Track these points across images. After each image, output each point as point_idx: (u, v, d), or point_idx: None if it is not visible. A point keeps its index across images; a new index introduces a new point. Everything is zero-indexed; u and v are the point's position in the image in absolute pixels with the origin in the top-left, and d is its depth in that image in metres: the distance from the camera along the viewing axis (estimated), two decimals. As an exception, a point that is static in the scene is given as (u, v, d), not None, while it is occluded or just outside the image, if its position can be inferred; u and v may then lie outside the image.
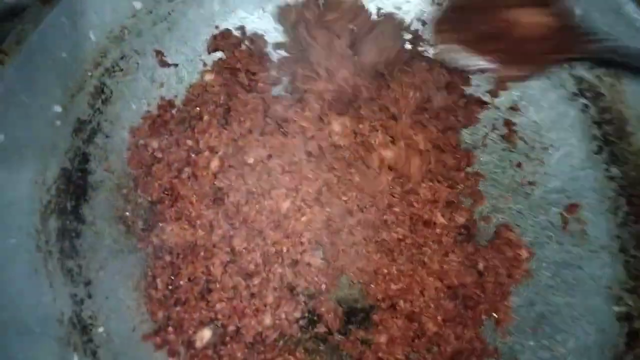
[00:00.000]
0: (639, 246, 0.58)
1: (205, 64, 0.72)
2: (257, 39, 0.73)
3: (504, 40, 0.59)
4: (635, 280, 0.57)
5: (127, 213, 0.63)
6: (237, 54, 0.70)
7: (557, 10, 0.58)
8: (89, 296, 0.57)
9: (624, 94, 0.62)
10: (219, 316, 0.58)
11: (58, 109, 0.60)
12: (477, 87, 0.70)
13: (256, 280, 0.59)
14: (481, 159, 0.70)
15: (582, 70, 0.65)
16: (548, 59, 0.60)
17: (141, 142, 0.66)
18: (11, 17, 0.79)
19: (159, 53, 0.69)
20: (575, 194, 0.64)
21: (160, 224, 0.61)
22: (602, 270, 0.59)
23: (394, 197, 0.63)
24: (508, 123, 0.69)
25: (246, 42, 0.73)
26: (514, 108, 0.69)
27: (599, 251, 0.60)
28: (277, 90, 0.71)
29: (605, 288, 0.59)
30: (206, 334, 0.59)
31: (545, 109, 0.68)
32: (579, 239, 0.62)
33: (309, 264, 0.62)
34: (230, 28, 0.73)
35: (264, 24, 0.75)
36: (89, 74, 0.63)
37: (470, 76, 0.69)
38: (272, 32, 0.75)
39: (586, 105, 0.65)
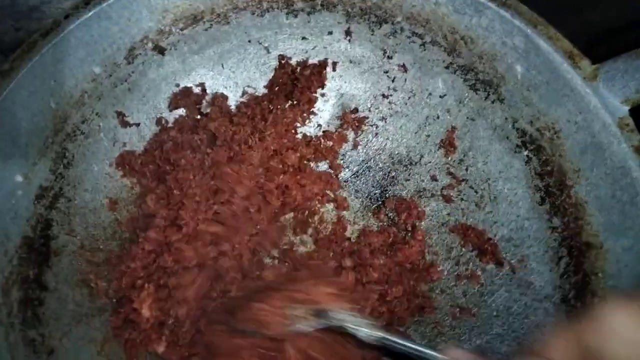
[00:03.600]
0: (578, 297, 0.61)
1: (167, 122, 0.74)
2: (217, 97, 0.75)
3: None
4: (575, 331, 0.60)
5: (91, 276, 0.64)
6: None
7: None
8: (52, 365, 0.58)
9: (562, 147, 0.66)
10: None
11: (19, 178, 0.61)
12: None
13: None
14: (431, 206, 0.74)
15: (524, 124, 0.69)
16: None
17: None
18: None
19: (120, 114, 0.71)
20: (522, 243, 0.67)
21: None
22: (546, 320, 0.63)
23: None
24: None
25: (206, 99, 0.76)
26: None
27: (543, 301, 0.64)
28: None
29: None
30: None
31: (493, 159, 0.72)
32: (525, 287, 0.65)
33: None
34: (190, 85, 0.75)
35: (223, 80, 0.77)
36: (50, 140, 0.64)
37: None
38: (233, 87, 0.78)
39: (529, 157, 0.69)
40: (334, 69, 0.79)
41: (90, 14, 0.65)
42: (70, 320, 0.61)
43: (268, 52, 0.77)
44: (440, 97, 0.75)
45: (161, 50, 0.72)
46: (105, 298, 0.65)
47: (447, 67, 0.74)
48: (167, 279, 0.62)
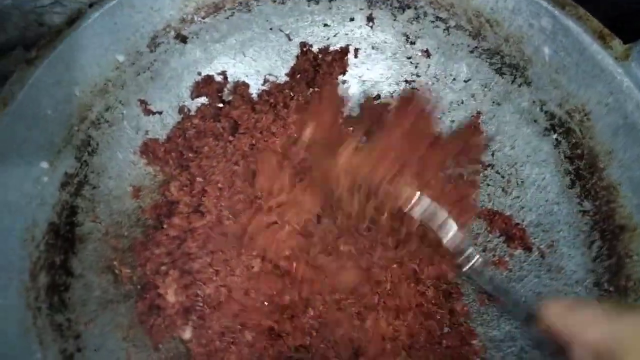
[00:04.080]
0: (612, 281, 0.59)
1: (189, 110, 0.74)
2: (239, 85, 0.75)
3: None
4: (609, 315, 0.59)
5: (115, 262, 0.64)
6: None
7: None
8: (79, 350, 0.58)
9: (593, 129, 0.64)
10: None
11: (45, 165, 0.61)
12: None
13: None
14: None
15: (552, 106, 0.67)
16: None
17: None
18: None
19: (143, 102, 0.71)
20: (551, 227, 0.66)
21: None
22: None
23: None
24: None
25: (228, 87, 0.76)
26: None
27: (575, 285, 0.62)
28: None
29: (581, 324, 0.60)
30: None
31: (520, 144, 0.70)
32: (555, 272, 0.64)
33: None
34: (212, 73, 0.75)
35: (245, 68, 0.77)
36: (75, 128, 0.65)
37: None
38: (255, 75, 0.77)
39: (558, 141, 0.67)
40: (355, 56, 0.78)
41: (114, 2, 0.65)
42: (96, 307, 0.61)
43: (289, 39, 0.77)
44: (465, 81, 0.74)
45: (183, 39, 0.72)
46: (130, 284, 0.65)
47: (471, 52, 0.72)
48: (191, 264, 0.62)
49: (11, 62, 0.82)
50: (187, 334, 0.61)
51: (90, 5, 0.65)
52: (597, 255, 0.62)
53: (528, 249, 0.66)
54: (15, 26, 0.85)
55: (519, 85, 0.70)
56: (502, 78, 0.71)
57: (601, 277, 0.60)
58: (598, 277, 0.61)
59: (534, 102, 0.69)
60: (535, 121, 0.69)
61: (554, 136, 0.67)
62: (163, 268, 0.63)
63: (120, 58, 0.68)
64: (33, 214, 0.59)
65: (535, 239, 0.66)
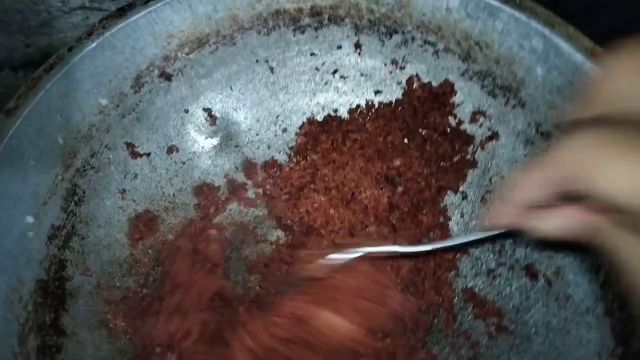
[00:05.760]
0: (623, 308, 0.57)
1: (177, 150, 0.72)
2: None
3: None
4: (623, 345, 0.57)
5: (108, 316, 0.62)
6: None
7: None
8: (75, 414, 0.56)
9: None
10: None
11: (30, 219, 0.59)
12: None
13: None
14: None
15: (549, 127, 0.66)
16: None
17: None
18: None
19: (129, 145, 0.69)
20: (556, 253, 0.64)
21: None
22: (589, 334, 0.59)
23: None
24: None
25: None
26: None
27: (585, 314, 0.60)
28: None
29: (595, 355, 0.58)
30: None
31: (519, 167, 0.69)
32: (563, 301, 0.62)
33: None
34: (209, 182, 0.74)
35: (233, 103, 0.75)
36: (60, 177, 0.62)
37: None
38: (242, 109, 0.76)
39: (557, 163, 0.65)
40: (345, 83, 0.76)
41: (94, 44, 0.63)
42: (90, 365, 0.59)
43: (272, 72, 0.75)
44: (457, 105, 0.72)
45: (168, 77, 0.70)
46: (124, 338, 0.62)
47: (462, 74, 0.71)
48: None
49: (-1, 83, 0.81)
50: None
51: (70, 49, 0.63)
52: (605, 281, 0.59)
53: (534, 276, 0.64)
54: (2, 48, 0.83)
55: (513, 107, 0.68)
56: (495, 100, 0.70)
57: (611, 304, 0.58)
58: (608, 304, 0.58)
59: (529, 124, 0.68)
60: (532, 143, 0.68)
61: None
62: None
63: (104, 101, 0.66)
64: (19, 272, 0.57)
65: (540, 265, 0.65)
